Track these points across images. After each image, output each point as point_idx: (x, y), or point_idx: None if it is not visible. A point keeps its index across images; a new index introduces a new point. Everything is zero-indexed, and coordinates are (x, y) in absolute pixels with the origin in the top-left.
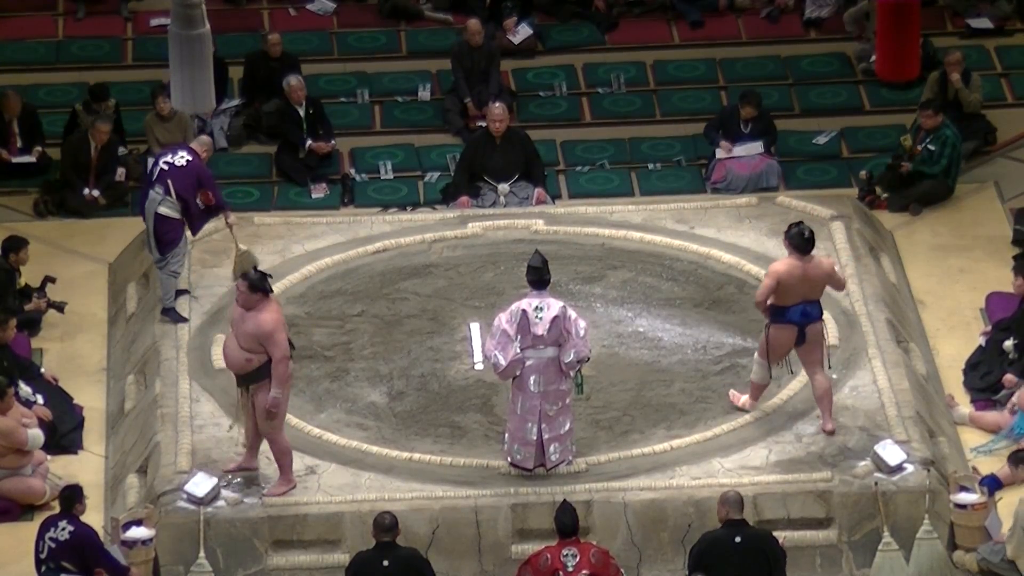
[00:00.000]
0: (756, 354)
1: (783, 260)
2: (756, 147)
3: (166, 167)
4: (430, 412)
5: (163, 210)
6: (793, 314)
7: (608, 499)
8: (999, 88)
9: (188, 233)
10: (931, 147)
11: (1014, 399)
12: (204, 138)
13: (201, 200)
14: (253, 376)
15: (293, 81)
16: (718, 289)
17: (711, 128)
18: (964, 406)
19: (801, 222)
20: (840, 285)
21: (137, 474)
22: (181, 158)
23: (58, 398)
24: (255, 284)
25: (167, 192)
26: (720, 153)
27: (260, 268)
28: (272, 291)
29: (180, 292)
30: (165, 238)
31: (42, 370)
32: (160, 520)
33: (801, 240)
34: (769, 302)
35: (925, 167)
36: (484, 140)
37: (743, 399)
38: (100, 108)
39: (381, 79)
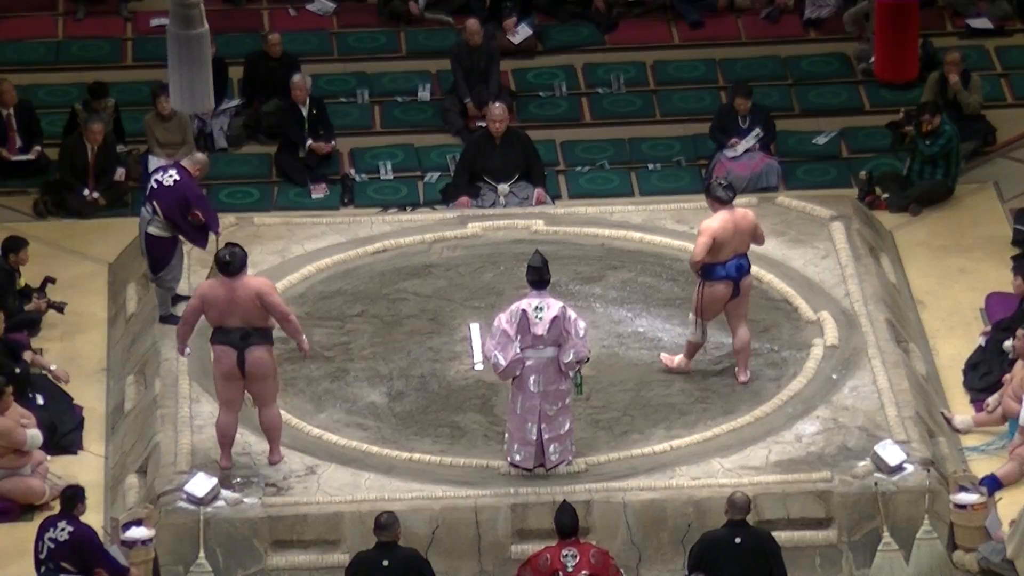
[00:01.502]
0: (691, 313)
1: (713, 217)
2: (753, 136)
3: (155, 185)
4: (430, 412)
5: (152, 230)
6: (730, 269)
7: (608, 499)
8: (999, 88)
9: (184, 248)
10: (927, 141)
11: (990, 401)
12: (199, 156)
13: (191, 219)
14: None
15: (296, 79)
16: None
17: (713, 130)
18: (962, 413)
19: (711, 175)
20: (762, 239)
21: (137, 474)
22: (169, 177)
23: (58, 398)
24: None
25: (155, 212)
26: (728, 152)
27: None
28: (230, 272)
29: (178, 298)
30: (155, 255)
31: (53, 367)
32: (160, 520)
33: (722, 191)
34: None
35: (924, 147)
36: (484, 140)
37: (677, 359)
38: (99, 106)
39: (381, 79)
